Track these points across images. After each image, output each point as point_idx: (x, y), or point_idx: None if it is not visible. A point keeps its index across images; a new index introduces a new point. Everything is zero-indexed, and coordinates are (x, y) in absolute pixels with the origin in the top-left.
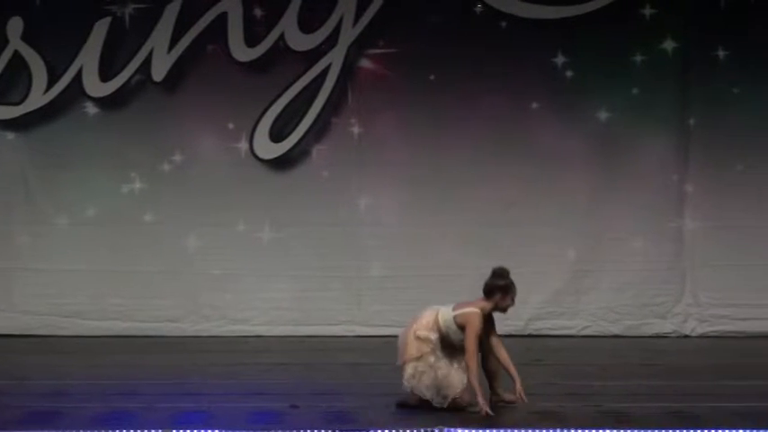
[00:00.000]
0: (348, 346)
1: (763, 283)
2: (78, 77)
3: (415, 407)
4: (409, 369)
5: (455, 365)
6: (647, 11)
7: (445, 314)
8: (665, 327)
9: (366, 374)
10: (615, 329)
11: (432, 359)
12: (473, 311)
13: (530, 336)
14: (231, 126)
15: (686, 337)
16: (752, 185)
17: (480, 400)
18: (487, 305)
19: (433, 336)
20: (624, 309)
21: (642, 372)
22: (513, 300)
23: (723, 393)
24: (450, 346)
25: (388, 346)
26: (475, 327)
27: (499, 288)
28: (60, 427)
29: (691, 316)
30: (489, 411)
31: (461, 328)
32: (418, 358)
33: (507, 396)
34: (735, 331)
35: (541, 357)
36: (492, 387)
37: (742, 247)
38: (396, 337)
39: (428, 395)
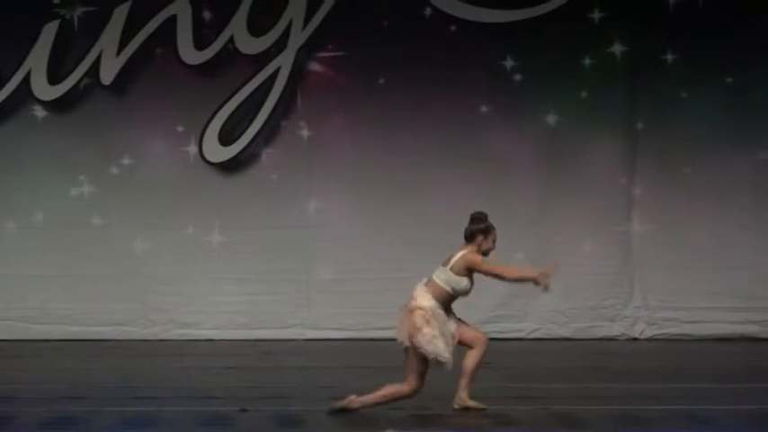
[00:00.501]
0: (298, 350)
1: (711, 285)
2: (27, 80)
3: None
4: (422, 340)
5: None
6: (596, 15)
7: (440, 275)
8: (614, 330)
9: (316, 378)
10: (564, 332)
11: (435, 323)
12: (466, 252)
13: None
14: (180, 129)
15: (635, 339)
16: (699, 189)
17: (539, 278)
18: (471, 249)
19: (427, 302)
20: (573, 312)
21: (591, 374)
22: (493, 242)
23: (671, 396)
24: (448, 308)
25: (337, 349)
26: (479, 259)
27: (480, 231)
28: None
29: (639, 319)
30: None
31: (467, 272)
32: (419, 329)
33: (471, 402)
34: (683, 334)
35: (491, 361)
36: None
37: (690, 250)
38: (346, 339)
39: (448, 356)
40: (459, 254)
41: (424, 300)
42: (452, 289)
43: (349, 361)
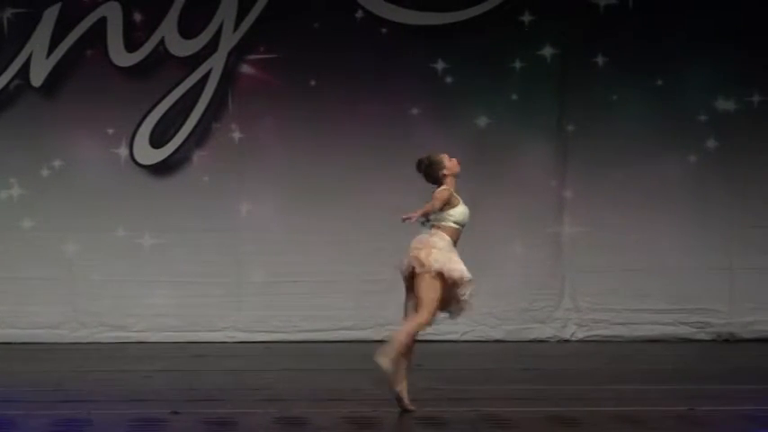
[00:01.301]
0: (229, 353)
1: (641, 287)
2: None
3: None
4: (442, 259)
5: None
6: (527, 17)
7: (439, 219)
8: (545, 331)
9: (248, 380)
10: (496, 334)
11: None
12: (440, 188)
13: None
14: (111, 131)
15: (566, 341)
16: (630, 191)
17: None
18: (445, 185)
19: (441, 241)
20: (504, 314)
21: (523, 376)
22: (449, 158)
23: (602, 397)
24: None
25: (269, 351)
26: (445, 193)
27: (437, 167)
28: None
29: (570, 320)
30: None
31: (449, 205)
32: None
33: (406, 404)
34: (613, 336)
35: (422, 363)
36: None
37: (620, 252)
38: (277, 342)
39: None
40: (437, 190)
41: (438, 238)
42: (455, 222)
43: (280, 363)
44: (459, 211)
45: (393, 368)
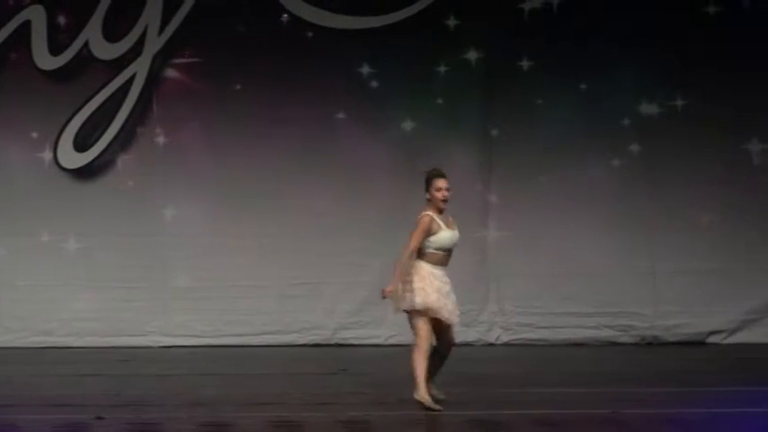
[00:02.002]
0: (154, 357)
1: (566, 291)
2: None
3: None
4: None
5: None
6: (451, 21)
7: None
8: (471, 335)
9: (172, 385)
10: None
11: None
12: (423, 214)
13: (337, 345)
14: (35, 135)
15: (491, 345)
16: (554, 195)
17: (389, 288)
18: (429, 207)
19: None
20: None
21: (447, 380)
22: (438, 191)
23: (526, 401)
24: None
25: (194, 356)
26: (422, 225)
27: (426, 185)
28: None
29: (495, 324)
30: (387, 295)
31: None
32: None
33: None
34: (538, 339)
35: (348, 367)
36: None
37: (544, 256)
38: (202, 347)
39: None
40: (421, 215)
41: (415, 274)
42: (436, 249)
43: (205, 368)
44: (441, 238)
45: (429, 397)
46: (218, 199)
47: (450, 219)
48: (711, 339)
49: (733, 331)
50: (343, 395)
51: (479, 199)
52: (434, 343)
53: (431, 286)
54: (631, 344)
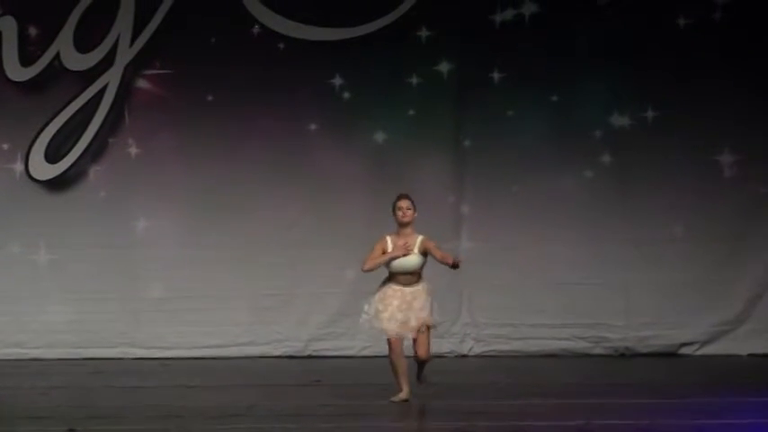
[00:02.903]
0: (126, 369)
1: (538, 302)
2: None
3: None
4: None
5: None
6: (423, 33)
7: None
8: (443, 346)
9: (144, 397)
10: None
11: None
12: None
13: (309, 357)
14: (6, 146)
15: (464, 356)
16: (527, 207)
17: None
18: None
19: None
20: None
21: (420, 391)
22: (399, 208)
23: (499, 412)
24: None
25: (166, 368)
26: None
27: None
28: None
29: (468, 336)
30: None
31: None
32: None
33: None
34: (511, 350)
35: (321, 378)
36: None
37: (517, 267)
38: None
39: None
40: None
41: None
42: (391, 270)
43: (177, 380)
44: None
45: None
46: (191, 210)
47: (419, 240)
48: (684, 351)
49: (705, 343)
50: (316, 407)
51: (452, 210)
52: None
53: (386, 305)
54: (604, 355)
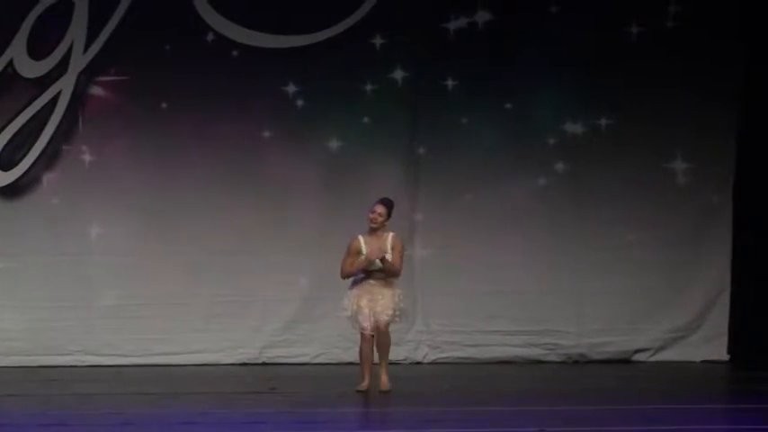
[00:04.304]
0: (80, 377)
1: (492, 309)
2: None
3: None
4: None
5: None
6: (378, 40)
7: None
8: (398, 353)
9: (99, 404)
10: (348, 357)
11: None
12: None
13: (263, 364)
14: None
15: (418, 363)
16: (480, 214)
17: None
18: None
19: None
20: (356, 336)
21: (375, 399)
22: (371, 210)
23: (453, 419)
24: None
25: (120, 375)
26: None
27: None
28: None
29: (423, 342)
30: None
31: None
32: None
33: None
34: (465, 357)
35: (276, 386)
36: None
37: (471, 274)
38: (128, 366)
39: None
40: None
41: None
42: None
43: (131, 387)
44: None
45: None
46: (144, 217)
47: (390, 237)
48: (637, 357)
49: (658, 349)
50: (270, 415)
51: (406, 217)
52: None
53: (353, 300)
54: (558, 362)
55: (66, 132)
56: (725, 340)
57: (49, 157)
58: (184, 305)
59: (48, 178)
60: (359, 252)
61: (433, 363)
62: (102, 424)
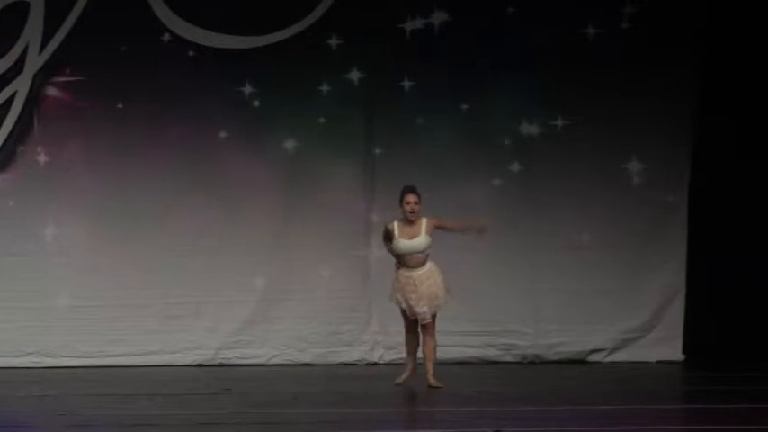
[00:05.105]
0: (35, 378)
1: (449, 310)
2: None
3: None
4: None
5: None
6: (334, 41)
7: None
8: (353, 354)
9: (54, 406)
10: (304, 358)
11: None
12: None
13: (219, 365)
14: None
15: (374, 364)
16: (437, 214)
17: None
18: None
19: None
20: (313, 337)
21: (331, 399)
22: (407, 204)
23: (410, 419)
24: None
25: (75, 376)
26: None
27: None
28: None
29: (378, 344)
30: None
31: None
32: None
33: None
34: (421, 358)
35: (231, 387)
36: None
37: None
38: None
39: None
40: None
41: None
42: (397, 255)
43: (87, 389)
44: (397, 246)
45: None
46: (100, 218)
47: (425, 222)
48: (592, 358)
49: (613, 350)
50: (226, 416)
51: (362, 218)
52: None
53: (394, 288)
54: (514, 363)
55: (21, 133)
56: (680, 340)
57: (4, 159)
58: (140, 306)
59: (2, 179)
60: (390, 238)
61: (388, 363)
62: (57, 426)
